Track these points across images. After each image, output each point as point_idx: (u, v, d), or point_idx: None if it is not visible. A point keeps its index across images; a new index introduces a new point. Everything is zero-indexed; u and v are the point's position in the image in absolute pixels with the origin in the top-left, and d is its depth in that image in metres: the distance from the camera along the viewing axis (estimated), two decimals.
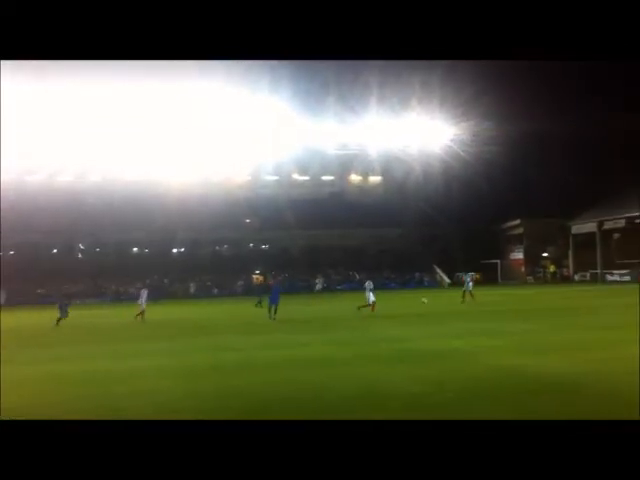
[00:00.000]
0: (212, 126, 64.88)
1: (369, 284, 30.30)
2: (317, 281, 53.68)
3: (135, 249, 71.62)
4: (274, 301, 27.40)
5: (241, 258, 68.58)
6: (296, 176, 78.02)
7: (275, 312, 26.98)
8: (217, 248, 72.91)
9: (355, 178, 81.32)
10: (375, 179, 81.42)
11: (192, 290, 62.35)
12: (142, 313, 29.86)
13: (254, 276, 64.05)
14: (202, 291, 62.02)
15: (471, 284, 35.53)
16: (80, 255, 69.71)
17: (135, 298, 36.69)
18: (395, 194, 77.28)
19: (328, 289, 62.71)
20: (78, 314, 35.94)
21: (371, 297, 29.30)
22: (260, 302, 36.68)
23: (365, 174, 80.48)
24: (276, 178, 75.98)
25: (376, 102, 65.75)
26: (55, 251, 67.20)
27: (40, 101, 57.35)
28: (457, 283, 70.12)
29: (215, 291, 63.83)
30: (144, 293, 31.29)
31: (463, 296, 34.69)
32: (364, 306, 29.25)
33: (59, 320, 28.57)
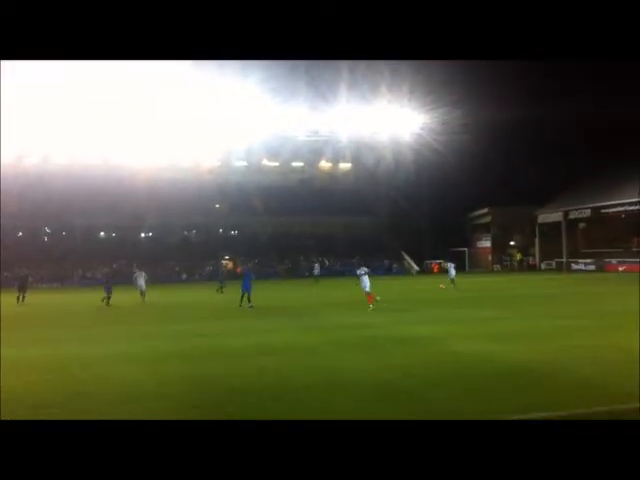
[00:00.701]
0: (182, 111, 64.24)
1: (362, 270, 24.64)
2: (315, 265, 54.56)
3: (102, 233, 70.85)
4: (246, 288, 25.89)
5: (210, 244, 68.34)
6: (266, 162, 77.80)
7: (249, 300, 25.55)
8: (186, 233, 72.61)
9: (325, 165, 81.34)
10: (345, 166, 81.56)
11: (160, 275, 61.84)
12: (142, 294, 30.16)
13: (223, 262, 63.84)
14: (170, 276, 61.51)
15: (453, 272, 35.73)
16: (46, 239, 68.76)
17: (100, 282, 36.59)
18: (365, 181, 77.59)
19: (298, 275, 62.98)
20: (44, 298, 35.60)
21: (367, 286, 23.93)
22: (222, 288, 36.49)
23: (335, 161, 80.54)
24: (246, 164, 75.68)
25: (347, 89, 65.72)
26: (20, 234, 66.10)
27: (4, 82, 56.04)
28: (425, 270, 70.99)
29: (184, 276, 63.51)
30: (141, 275, 31.04)
31: (453, 283, 34.83)
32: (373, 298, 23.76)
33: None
